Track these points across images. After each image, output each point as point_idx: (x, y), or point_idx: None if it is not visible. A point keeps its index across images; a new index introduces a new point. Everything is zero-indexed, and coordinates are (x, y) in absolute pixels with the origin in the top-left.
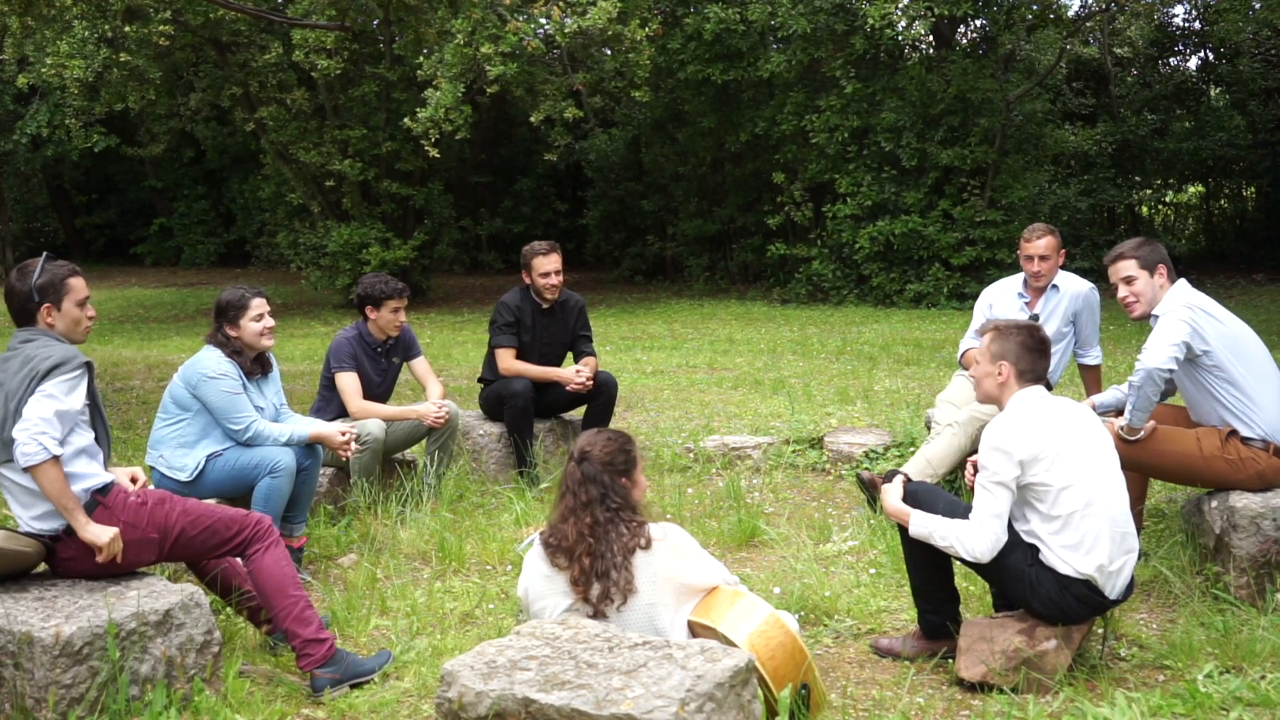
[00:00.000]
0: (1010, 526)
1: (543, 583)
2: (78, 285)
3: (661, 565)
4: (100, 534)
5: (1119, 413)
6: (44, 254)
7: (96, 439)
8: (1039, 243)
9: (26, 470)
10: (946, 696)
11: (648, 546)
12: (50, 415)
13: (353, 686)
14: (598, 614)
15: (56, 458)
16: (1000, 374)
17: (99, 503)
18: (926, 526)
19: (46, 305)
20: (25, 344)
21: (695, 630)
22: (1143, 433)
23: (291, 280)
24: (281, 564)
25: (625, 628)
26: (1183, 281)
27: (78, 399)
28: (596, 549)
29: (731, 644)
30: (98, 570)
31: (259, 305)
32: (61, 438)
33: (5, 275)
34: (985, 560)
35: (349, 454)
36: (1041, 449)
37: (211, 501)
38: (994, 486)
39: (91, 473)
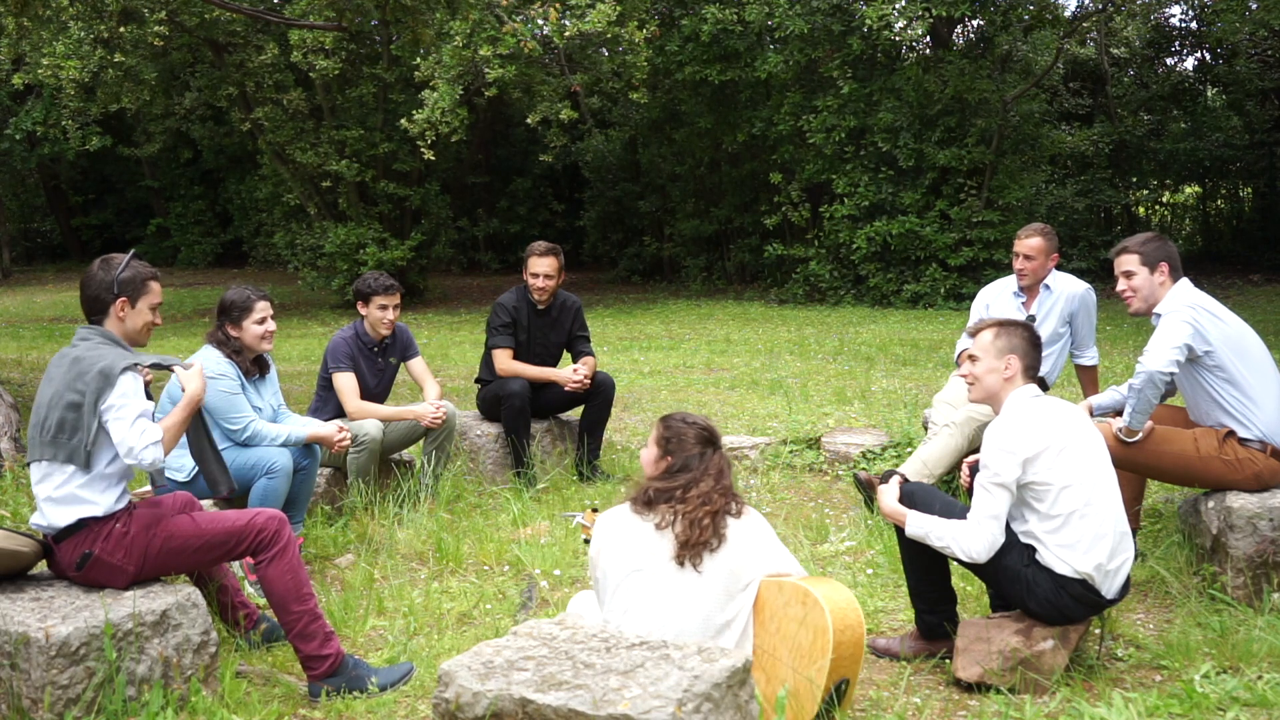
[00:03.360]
0: (1007, 527)
1: (629, 533)
2: (156, 289)
3: (746, 537)
4: (190, 379)
5: (1117, 414)
6: (131, 250)
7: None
8: (1026, 241)
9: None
10: (943, 697)
11: (739, 515)
12: (130, 424)
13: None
14: (688, 560)
15: (159, 441)
16: (1008, 368)
17: (85, 524)
18: (923, 527)
19: (124, 299)
20: (81, 342)
21: (766, 591)
22: (1141, 434)
23: (288, 280)
24: (286, 577)
25: (706, 577)
26: (1185, 280)
27: (139, 393)
28: (716, 524)
29: (810, 599)
30: (81, 580)
31: (263, 309)
32: (152, 416)
33: (3, 276)
34: (981, 561)
35: (340, 449)
36: (1044, 445)
37: (209, 504)
38: (994, 487)
39: (99, 499)
